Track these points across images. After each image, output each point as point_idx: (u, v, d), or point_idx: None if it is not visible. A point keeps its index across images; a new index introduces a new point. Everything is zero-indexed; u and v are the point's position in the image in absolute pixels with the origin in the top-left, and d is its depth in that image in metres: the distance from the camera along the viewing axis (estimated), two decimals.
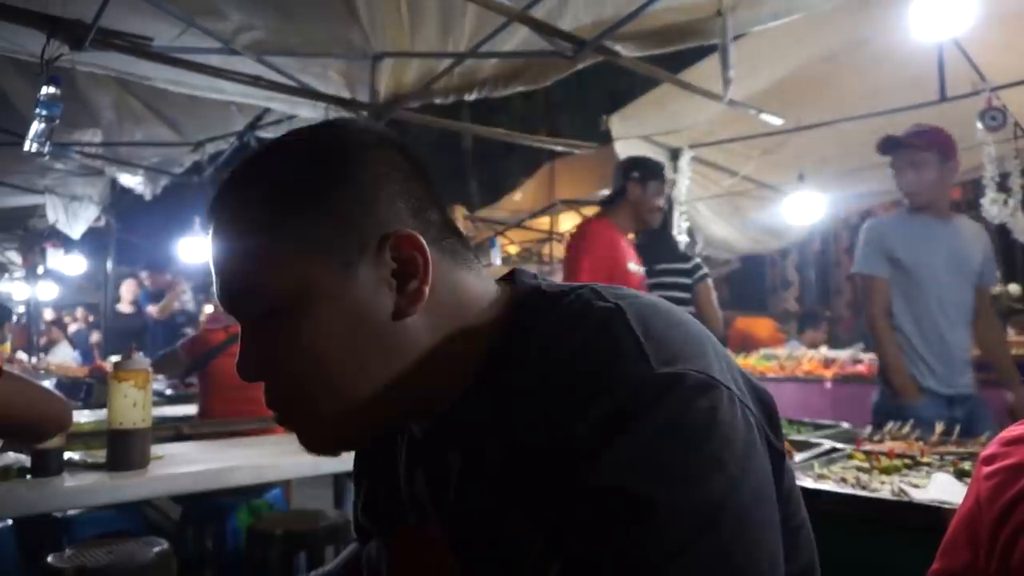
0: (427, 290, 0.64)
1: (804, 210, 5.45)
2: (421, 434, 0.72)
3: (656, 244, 3.62)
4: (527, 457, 0.57)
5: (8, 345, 6.74)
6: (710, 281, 3.56)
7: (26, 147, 2.78)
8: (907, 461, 1.77)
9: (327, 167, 0.66)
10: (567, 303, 0.65)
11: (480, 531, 0.63)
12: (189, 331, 6.33)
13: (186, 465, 2.22)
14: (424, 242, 0.64)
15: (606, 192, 7.19)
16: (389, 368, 0.64)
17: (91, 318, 9.79)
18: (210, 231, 0.68)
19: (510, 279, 0.73)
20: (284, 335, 0.63)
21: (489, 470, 0.62)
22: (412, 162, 0.70)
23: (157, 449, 2.30)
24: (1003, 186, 4.45)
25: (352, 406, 0.65)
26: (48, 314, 9.15)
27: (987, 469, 0.79)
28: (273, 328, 0.64)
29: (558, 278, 3.06)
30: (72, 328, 9.50)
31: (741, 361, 5.26)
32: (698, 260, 3.62)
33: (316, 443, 0.68)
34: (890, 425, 2.25)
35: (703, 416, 0.54)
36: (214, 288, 0.69)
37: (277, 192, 0.65)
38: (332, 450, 0.69)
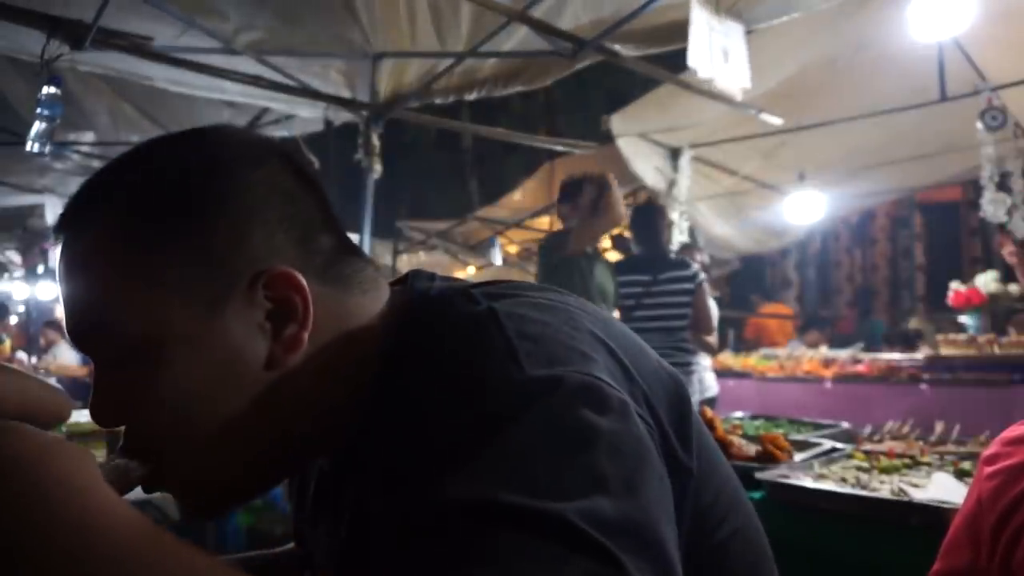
0: (306, 336, 0.56)
1: (804, 210, 5.45)
2: (328, 468, 0.65)
3: (657, 256, 3.68)
4: (401, 487, 0.49)
5: (8, 345, 6.75)
6: (706, 285, 3.61)
7: (28, 147, 2.78)
8: (907, 461, 1.78)
9: (192, 190, 0.56)
10: (441, 316, 0.58)
11: None
12: None
13: None
14: (303, 281, 0.55)
15: None
16: (264, 421, 0.56)
17: None
18: (60, 248, 0.58)
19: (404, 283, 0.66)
20: (137, 383, 0.54)
21: (372, 511, 0.55)
22: (301, 178, 0.60)
23: None
24: (1003, 186, 4.45)
25: (229, 464, 0.57)
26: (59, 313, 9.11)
27: (989, 469, 0.79)
28: (125, 372, 0.55)
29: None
30: None
31: (741, 361, 5.26)
32: (696, 267, 3.66)
33: (198, 506, 0.60)
34: (889, 425, 2.25)
35: (580, 422, 0.47)
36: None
37: (130, 218, 0.55)
38: (220, 510, 0.61)
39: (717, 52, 2.80)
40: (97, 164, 4.96)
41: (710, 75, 2.81)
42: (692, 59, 2.72)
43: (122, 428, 0.58)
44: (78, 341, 0.57)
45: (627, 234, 4.16)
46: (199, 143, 0.60)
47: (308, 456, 0.63)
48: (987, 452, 0.82)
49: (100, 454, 2.15)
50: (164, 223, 0.55)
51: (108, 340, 0.55)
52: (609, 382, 0.51)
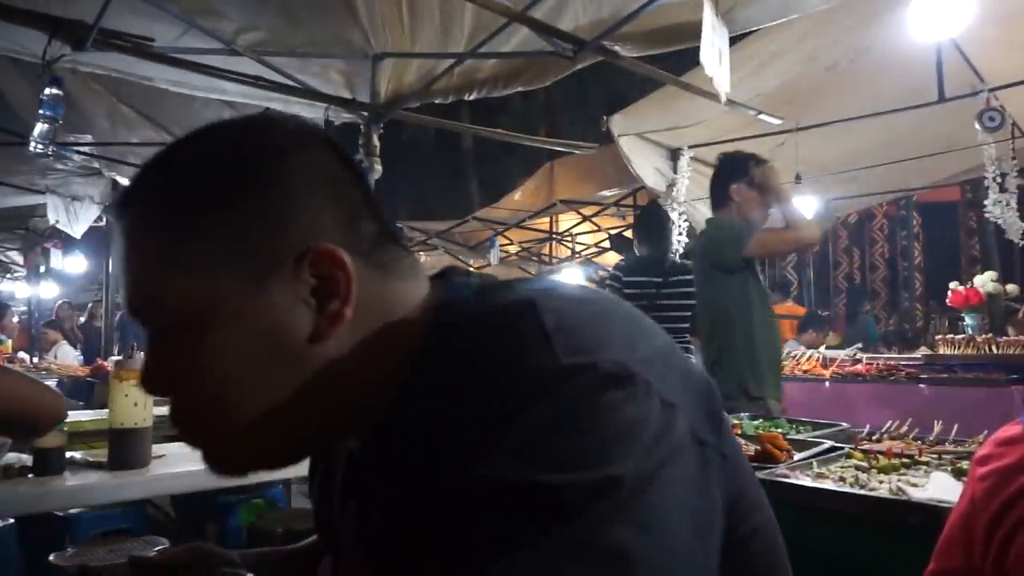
0: (349, 312, 0.58)
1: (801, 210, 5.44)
2: (358, 452, 0.67)
3: (666, 257, 3.68)
4: (436, 472, 0.52)
5: (9, 344, 6.75)
6: None
7: (31, 147, 2.79)
8: (905, 460, 1.78)
9: (245, 170, 0.59)
10: (481, 307, 0.60)
11: (402, 569, 0.56)
12: None
13: (187, 464, 2.22)
14: (347, 259, 0.58)
15: (606, 192, 7.22)
16: (304, 393, 0.59)
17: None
18: (115, 233, 0.62)
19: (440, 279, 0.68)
20: (186, 351, 0.58)
21: (408, 498, 0.57)
22: (346, 167, 0.64)
23: (158, 448, 2.30)
24: (1000, 186, 4.46)
25: (261, 431, 0.59)
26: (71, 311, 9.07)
27: (982, 470, 0.80)
28: (175, 342, 0.58)
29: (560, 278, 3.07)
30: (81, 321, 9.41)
31: None
32: None
33: (226, 467, 0.63)
34: (888, 424, 2.26)
35: (607, 406, 0.50)
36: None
37: (186, 194, 0.59)
38: (244, 473, 0.64)
39: (715, 52, 2.80)
40: (97, 165, 4.98)
41: (712, 73, 2.81)
42: (703, 55, 2.72)
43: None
44: (132, 311, 0.61)
45: (627, 234, 4.16)
46: (252, 127, 0.64)
47: (339, 433, 0.65)
48: (980, 453, 0.82)
49: (101, 453, 2.16)
50: (215, 200, 0.58)
51: (160, 311, 0.59)
52: (638, 371, 0.53)
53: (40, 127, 2.74)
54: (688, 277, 3.56)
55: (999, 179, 4.36)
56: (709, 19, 2.73)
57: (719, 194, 2.94)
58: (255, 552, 0.92)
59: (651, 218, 3.91)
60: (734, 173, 2.89)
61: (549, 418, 0.49)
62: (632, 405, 0.50)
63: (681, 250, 4.96)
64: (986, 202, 4.42)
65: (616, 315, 0.60)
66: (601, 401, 0.50)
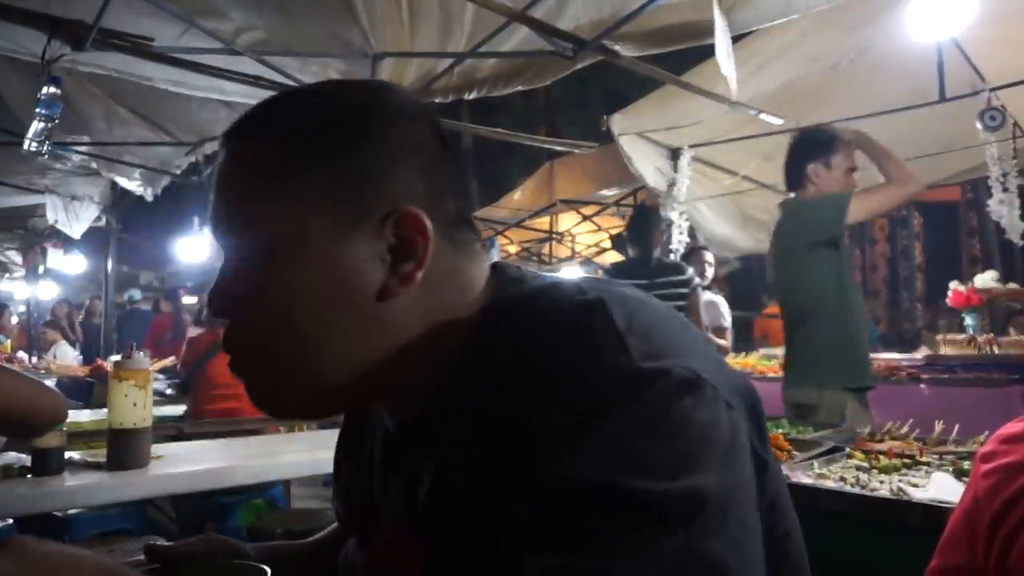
0: (420, 275, 0.61)
1: None
2: (395, 431, 0.68)
3: (650, 259, 3.69)
4: (501, 457, 0.54)
5: (8, 345, 6.75)
6: (700, 292, 3.64)
7: (25, 146, 2.78)
8: (906, 460, 1.78)
9: (352, 126, 0.63)
10: (547, 297, 0.62)
11: (453, 544, 0.57)
12: None
13: (186, 464, 2.22)
14: (429, 225, 0.61)
15: (606, 192, 7.20)
16: (361, 346, 0.61)
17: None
18: (220, 157, 0.65)
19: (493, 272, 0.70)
20: (263, 279, 0.61)
21: (464, 473, 0.58)
22: (444, 144, 0.67)
23: (157, 448, 2.30)
24: (1003, 185, 4.45)
25: (312, 374, 0.62)
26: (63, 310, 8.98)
27: (985, 467, 0.79)
28: (254, 269, 0.61)
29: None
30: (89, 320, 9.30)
31: (740, 361, 5.27)
32: (691, 273, 3.68)
33: (265, 401, 0.65)
34: (889, 424, 2.25)
35: (685, 412, 0.52)
36: (208, 217, 0.66)
37: (296, 136, 0.62)
38: (281, 413, 0.67)
39: (724, 51, 2.80)
40: (95, 165, 4.98)
41: (727, 72, 2.81)
42: (719, 54, 2.71)
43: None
44: (217, 233, 0.64)
45: (626, 234, 4.17)
46: (372, 87, 0.68)
47: (379, 397, 0.67)
48: (983, 450, 0.82)
49: (100, 453, 2.15)
50: (326, 145, 0.62)
51: (246, 236, 0.62)
52: (707, 377, 0.54)
53: (36, 126, 2.73)
54: (676, 278, 3.57)
55: (1002, 179, 4.35)
56: (720, 19, 2.73)
57: (795, 173, 2.77)
58: (268, 545, 0.91)
59: (637, 220, 3.92)
60: (812, 152, 2.73)
61: (636, 423, 0.50)
62: (705, 410, 0.52)
63: (682, 250, 4.96)
64: (989, 202, 4.41)
65: (670, 317, 0.62)
66: (679, 407, 0.52)
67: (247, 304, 0.62)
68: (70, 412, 2.04)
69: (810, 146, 2.77)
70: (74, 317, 8.42)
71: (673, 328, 0.60)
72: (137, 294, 10.30)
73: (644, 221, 3.92)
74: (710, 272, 4.91)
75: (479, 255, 0.67)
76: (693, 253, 4.87)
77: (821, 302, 2.65)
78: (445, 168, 0.66)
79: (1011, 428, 0.81)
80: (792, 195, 2.86)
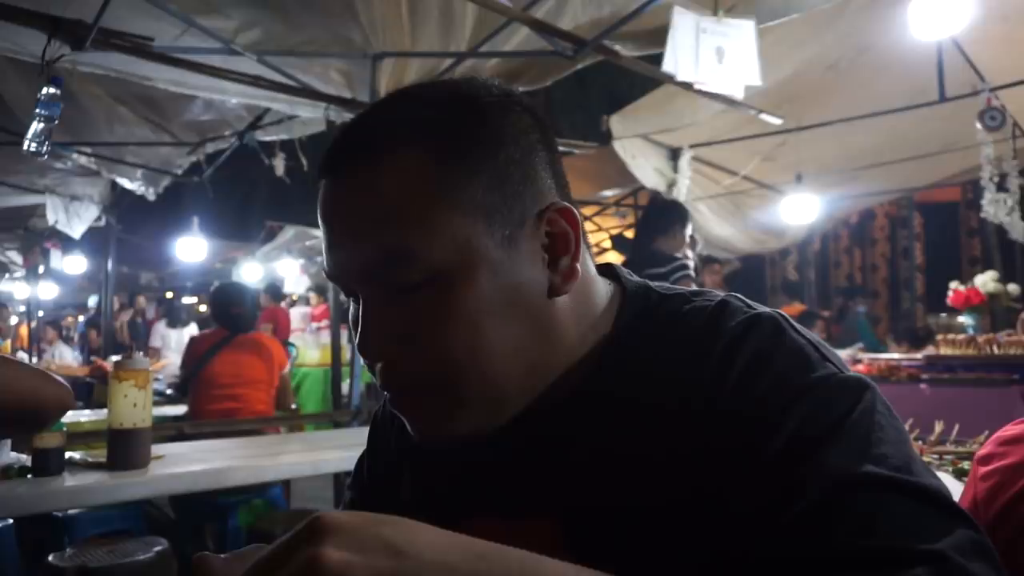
0: (579, 268, 0.60)
1: (801, 211, 5.45)
2: (530, 421, 0.65)
3: (637, 256, 3.68)
4: (701, 454, 0.54)
5: (8, 344, 6.75)
6: (686, 282, 3.60)
7: (25, 146, 2.77)
8: None
9: (501, 124, 0.60)
10: (712, 306, 0.61)
11: (622, 527, 0.57)
12: None
13: (186, 465, 2.22)
14: (579, 216, 0.60)
15: (606, 192, 7.21)
16: (538, 351, 0.59)
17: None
18: (340, 185, 0.59)
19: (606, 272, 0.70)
20: (437, 305, 0.56)
21: (632, 463, 0.57)
22: (551, 134, 0.65)
23: (157, 449, 2.30)
24: (1001, 186, 4.45)
25: (497, 387, 0.58)
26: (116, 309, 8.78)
27: (984, 469, 0.79)
28: (423, 298, 0.56)
29: None
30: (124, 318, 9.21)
31: None
32: (679, 261, 3.64)
33: (442, 429, 0.60)
34: None
35: (889, 413, 0.55)
36: (330, 258, 0.59)
37: (446, 146, 0.58)
38: (454, 437, 0.61)
39: (708, 53, 2.79)
40: (95, 165, 4.97)
41: (693, 78, 2.81)
42: (667, 63, 2.73)
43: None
44: (370, 271, 0.58)
45: (627, 234, 4.16)
46: (485, 85, 0.63)
47: (532, 395, 0.62)
48: (982, 452, 0.82)
49: (100, 453, 2.15)
50: (473, 154, 0.58)
51: (410, 264, 0.56)
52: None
53: (36, 126, 2.72)
54: (658, 271, 3.53)
55: (996, 179, 4.35)
56: (688, 23, 2.72)
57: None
58: None
59: (641, 219, 3.92)
60: None
61: (865, 424, 0.52)
62: (884, 408, 0.56)
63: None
64: (983, 202, 4.42)
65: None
66: (886, 409, 0.55)
67: (421, 337, 0.57)
68: (70, 412, 2.04)
69: None
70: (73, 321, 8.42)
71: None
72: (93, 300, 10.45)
73: (644, 213, 3.91)
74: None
75: (590, 247, 0.67)
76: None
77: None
78: (558, 156, 0.65)
79: (1010, 430, 0.80)
80: None
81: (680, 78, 2.80)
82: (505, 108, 0.62)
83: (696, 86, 2.88)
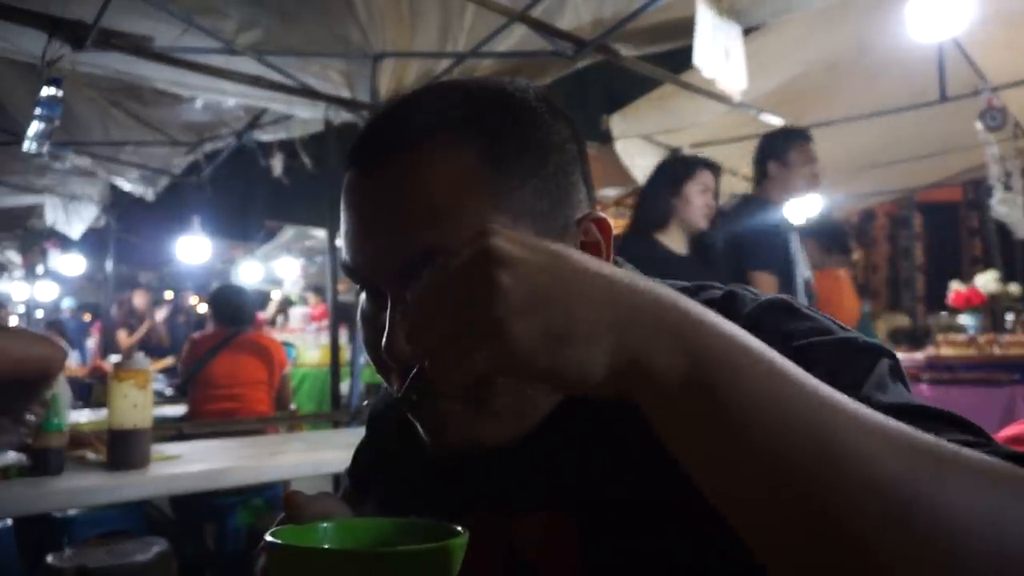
0: None
1: (801, 211, 5.43)
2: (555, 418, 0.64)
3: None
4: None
5: None
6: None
7: (24, 147, 2.77)
8: None
9: (544, 132, 0.59)
10: (720, 296, 0.63)
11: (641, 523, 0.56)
12: None
13: (186, 465, 2.22)
14: (613, 227, 0.60)
15: (607, 192, 7.20)
16: None
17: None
18: (377, 176, 0.57)
19: None
20: None
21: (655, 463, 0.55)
22: (584, 144, 0.65)
23: (166, 448, 2.30)
24: (1006, 185, 4.45)
25: (530, 399, 0.58)
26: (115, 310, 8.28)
27: None
28: None
29: None
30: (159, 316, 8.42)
31: None
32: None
33: (467, 440, 0.58)
34: None
35: (903, 375, 0.59)
36: (356, 252, 0.57)
37: (499, 147, 0.57)
38: (477, 448, 0.59)
39: (720, 51, 2.79)
40: (92, 167, 4.97)
41: (714, 75, 2.80)
42: (698, 58, 2.71)
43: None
44: (399, 268, 0.55)
45: None
46: (532, 91, 0.63)
47: (557, 401, 0.62)
48: None
49: (100, 455, 2.15)
50: (526, 159, 0.58)
51: None
52: None
53: (36, 127, 2.72)
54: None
55: (1004, 178, 4.35)
56: (707, 19, 2.72)
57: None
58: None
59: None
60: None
61: (894, 375, 0.57)
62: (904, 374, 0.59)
63: None
64: (991, 201, 4.41)
65: None
66: (903, 372, 0.59)
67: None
68: (70, 413, 2.04)
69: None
70: (149, 312, 8.26)
71: None
72: (72, 302, 10.54)
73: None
74: None
75: None
76: None
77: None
78: (589, 167, 0.65)
79: (1012, 431, 0.80)
80: None
81: (706, 74, 2.79)
82: (554, 114, 0.61)
83: (717, 84, 2.87)
